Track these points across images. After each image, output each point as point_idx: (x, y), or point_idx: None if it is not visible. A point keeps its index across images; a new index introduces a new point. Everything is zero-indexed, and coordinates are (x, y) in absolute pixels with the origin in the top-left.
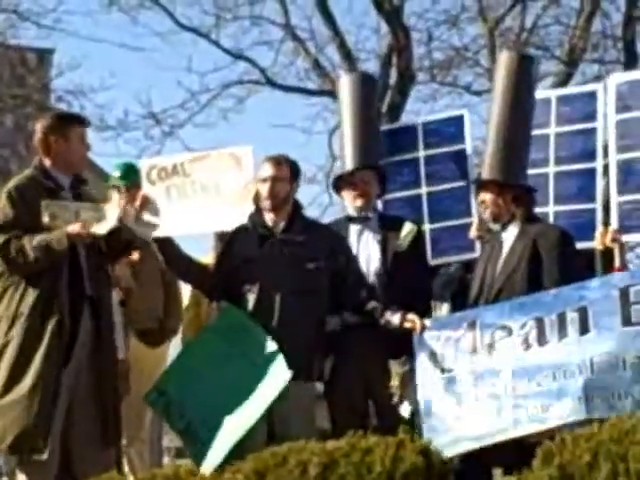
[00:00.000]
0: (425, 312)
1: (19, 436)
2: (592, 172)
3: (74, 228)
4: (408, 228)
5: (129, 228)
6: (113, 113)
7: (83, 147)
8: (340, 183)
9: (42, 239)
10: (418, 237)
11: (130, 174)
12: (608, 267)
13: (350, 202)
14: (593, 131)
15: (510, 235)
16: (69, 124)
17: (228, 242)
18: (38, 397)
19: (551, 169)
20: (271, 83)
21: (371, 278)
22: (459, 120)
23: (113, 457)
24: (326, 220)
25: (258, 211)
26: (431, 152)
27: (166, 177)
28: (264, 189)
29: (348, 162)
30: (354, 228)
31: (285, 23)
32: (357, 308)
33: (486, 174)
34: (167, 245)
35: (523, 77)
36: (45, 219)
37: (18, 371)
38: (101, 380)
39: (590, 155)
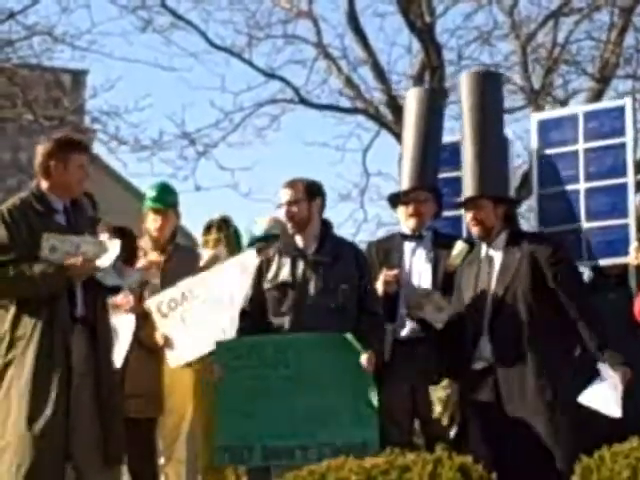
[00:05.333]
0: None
1: (33, 471)
2: (624, 187)
3: (75, 262)
4: (459, 247)
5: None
6: (147, 133)
7: (81, 173)
8: (395, 200)
9: (42, 270)
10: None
11: (164, 195)
12: None
13: (403, 221)
14: (623, 146)
15: (499, 250)
16: (69, 151)
17: (259, 269)
18: (55, 429)
19: (582, 185)
20: (304, 101)
21: None
22: None
23: (119, 477)
24: (362, 236)
25: (289, 235)
26: None
27: (177, 306)
28: (282, 214)
29: (404, 180)
30: (408, 245)
31: (318, 42)
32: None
33: (472, 191)
34: None
35: (483, 94)
36: (44, 252)
37: (36, 402)
38: (100, 399)
39: (621, 170)
